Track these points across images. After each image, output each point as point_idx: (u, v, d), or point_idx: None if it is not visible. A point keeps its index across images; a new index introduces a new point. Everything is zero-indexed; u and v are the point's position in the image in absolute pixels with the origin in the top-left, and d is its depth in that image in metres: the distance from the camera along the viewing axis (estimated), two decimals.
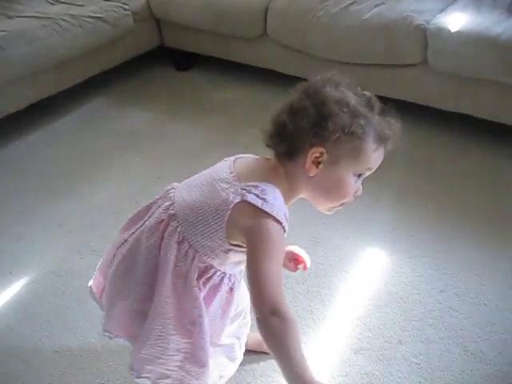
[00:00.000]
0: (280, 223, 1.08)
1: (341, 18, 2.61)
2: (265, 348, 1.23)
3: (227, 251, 1.14)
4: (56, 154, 2.70)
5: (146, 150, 2.68)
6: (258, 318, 1.05)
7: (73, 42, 2.84)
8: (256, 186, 1.09)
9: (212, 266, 1.17)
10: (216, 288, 1.20)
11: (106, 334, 1.32)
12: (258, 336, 1.11)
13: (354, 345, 1.65)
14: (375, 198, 2.23)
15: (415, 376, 1.55)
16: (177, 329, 1.18)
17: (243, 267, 1.27)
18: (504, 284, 1.83)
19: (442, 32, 2.36)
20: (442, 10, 2.51)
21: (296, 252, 1.41)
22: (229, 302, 1.25)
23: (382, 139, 1.10)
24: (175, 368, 1.20)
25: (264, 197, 1.07)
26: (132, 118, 2.99)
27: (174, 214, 1.17)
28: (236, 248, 1.13)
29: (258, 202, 1.06)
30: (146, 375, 1.21)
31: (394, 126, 1.12)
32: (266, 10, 2.84)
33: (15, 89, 2.70)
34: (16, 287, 1.93)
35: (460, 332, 1.67)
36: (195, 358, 1.20)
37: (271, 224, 1.07)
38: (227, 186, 1.12)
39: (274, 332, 1.05)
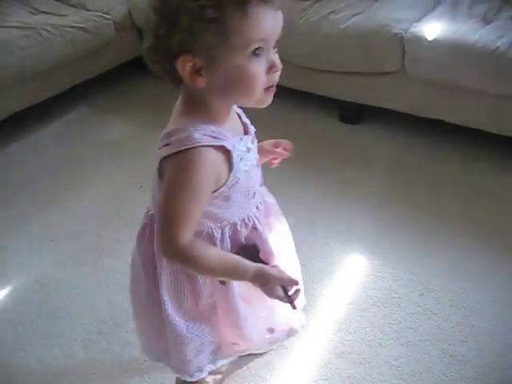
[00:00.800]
0: (205, 146, 0.96)
1: (320, 26, 2.64)
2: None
3: None
4: (39, 164, 2.70)
5: (129, 159, 2.68)
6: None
7: (54, 51, 2.84)
8: (165, 137, 1.01)
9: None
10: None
11: (147, 356, 1.40)
12: None
13: (336, 349, 1.67)
14: (355, 204, 2.27)
15: (396, 379, 1.57)
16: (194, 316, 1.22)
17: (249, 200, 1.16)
18: (482, 287, 1.85)
19: (419, 40, 2.40)
20: (419, 19, 2.55)
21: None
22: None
23: (245, 1, 0.88)
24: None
25: (172, 140, 0.98)
26: (115, 127, 2.99)
27: (153, 214, 1.17)
28: None
29: (168, 149, 0.99)
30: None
31: None
32: None
33: None
34: None
35: (439, 335, 1.69)
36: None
37: (190, 155, 0.96)
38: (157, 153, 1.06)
39: (184, 266, 1.09)
